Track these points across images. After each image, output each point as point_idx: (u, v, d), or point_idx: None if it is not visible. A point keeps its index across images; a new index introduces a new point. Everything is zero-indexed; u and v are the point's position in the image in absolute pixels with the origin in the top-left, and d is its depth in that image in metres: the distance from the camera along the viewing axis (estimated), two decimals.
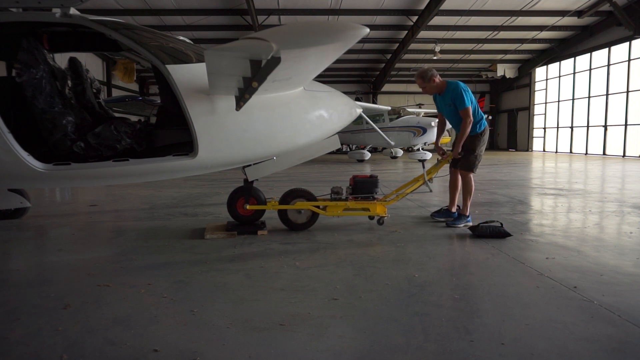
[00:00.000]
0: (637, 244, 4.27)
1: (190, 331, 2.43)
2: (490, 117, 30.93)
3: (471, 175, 5.13)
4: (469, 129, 4.93)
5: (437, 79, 5.06)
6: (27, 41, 3.95)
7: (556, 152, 26.00)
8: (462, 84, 5.04)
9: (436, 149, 5.45)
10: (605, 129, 21.72)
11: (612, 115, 21.43)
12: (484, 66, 29.50)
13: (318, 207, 4.81)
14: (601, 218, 5.55)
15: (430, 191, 5.46)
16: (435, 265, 3.65)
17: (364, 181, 4.90)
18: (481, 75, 30.90)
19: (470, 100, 4.96)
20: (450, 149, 5.31)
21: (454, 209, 5.34)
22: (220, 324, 2.51)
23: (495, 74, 29.39)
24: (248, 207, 4.73)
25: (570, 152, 24.58)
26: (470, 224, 5.01)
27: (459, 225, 5.04)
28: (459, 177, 5.28)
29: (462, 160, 5.10)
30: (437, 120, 5.66)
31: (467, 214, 5.14)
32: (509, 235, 4.47)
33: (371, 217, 5.06)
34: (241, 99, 3.61)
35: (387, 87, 31.54)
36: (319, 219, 4.96)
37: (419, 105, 26.33)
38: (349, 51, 18.43)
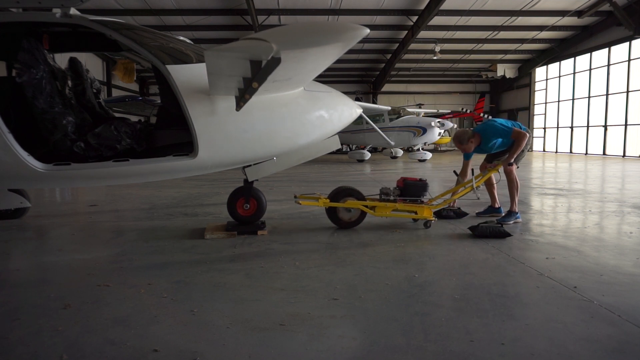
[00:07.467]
0: (637, 244, 4.27)
1: (190, 331, 2.43)
2: (489, 117, 31.01)
3: (514, 170, 5.28)
4: (523, 144, 5.15)
5: (474, 138, 5.27)
6: (27, 41, 3.95)
7: (556, 152, 25.99)
8: (488, 121, 5.36)
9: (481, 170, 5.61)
10: (605, 129, 21.72)
11: (612, 115, 21.44)
12: (484, 66, 29.49)
13: (367, 207, 4.83)
14: (601, 218, 5.55)
15: (478, 198, 5.42)
16: (435, 265, 3.65)
17: (413, 184, 4.95)
18: (481, 75, 30.88)
19: (507, 123, 5.25)
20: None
21: (496, 205, 5.57)
22: (220, 324, 2.51)
23: (495, 74, 29.38)
24: (301, 202, 4.72)
25: (570, 152, 24.58)
26: (520, 220, 5.17)
27: (509, 222, 5.13)
28: (492, 175, 5.48)
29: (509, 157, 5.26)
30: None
31: (516, 209, 5.24)
32: (509, 235, 4.48)
33: (414, 220, 5.10)
34: (241, 100, 3.61)
35: (387, 87, 31.49)
36: (318, 219, 4.96)
37: (419, 105, 26.31)
38: (349, 51, 18.35)
